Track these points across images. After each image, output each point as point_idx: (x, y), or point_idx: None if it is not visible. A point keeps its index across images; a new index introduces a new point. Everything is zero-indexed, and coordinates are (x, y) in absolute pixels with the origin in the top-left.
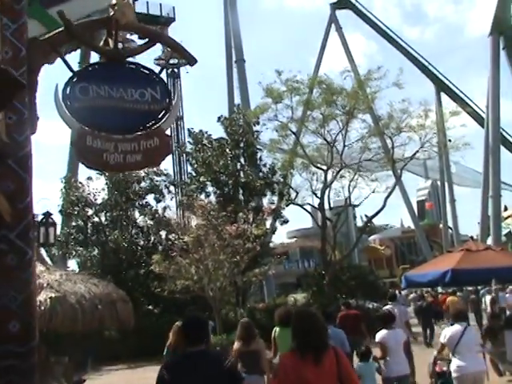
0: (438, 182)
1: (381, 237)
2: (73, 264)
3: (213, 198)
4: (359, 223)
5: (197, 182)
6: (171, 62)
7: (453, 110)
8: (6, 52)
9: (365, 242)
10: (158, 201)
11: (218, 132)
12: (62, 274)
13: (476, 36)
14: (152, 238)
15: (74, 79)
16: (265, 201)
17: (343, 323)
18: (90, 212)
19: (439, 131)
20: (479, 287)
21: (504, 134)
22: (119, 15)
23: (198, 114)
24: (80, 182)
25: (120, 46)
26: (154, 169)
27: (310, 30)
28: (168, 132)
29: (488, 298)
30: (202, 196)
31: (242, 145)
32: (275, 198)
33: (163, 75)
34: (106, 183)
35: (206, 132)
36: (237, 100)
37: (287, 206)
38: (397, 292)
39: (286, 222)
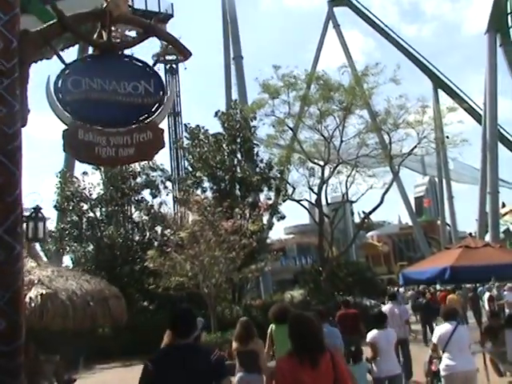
0: (436, 179)
1: (378, 233)
2: (68, 260)
3: (209, 193)
4: (357, 219)
5: (193, 178)
6: (169, 58)
7: (450, 106)
8: None
9: (362, 239)
10: (153, 196)
11: (215, 128)
12: (53, 271)
13: (473, 34)
14: (147, 234)
15: (66, 72)
16: (262, 196)
17: (342, 322)
18: (85, 207)
19: (437, 127)
20: (478, 285)
21: (502, 131)
22: (113, 7)
23: (195, 110)
24: (75, 177)
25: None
26: (150, 164)
27: (308, 29)
28: (164, 126)
29: (487, 296)
30: (199, 191)
31: (238, 140)
32: (272, 194)
33: (161, 71)
34: (102, 178)
35: (203, 127)
36: (235, 96)
37: (284, 201)
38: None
39: (282, 217)
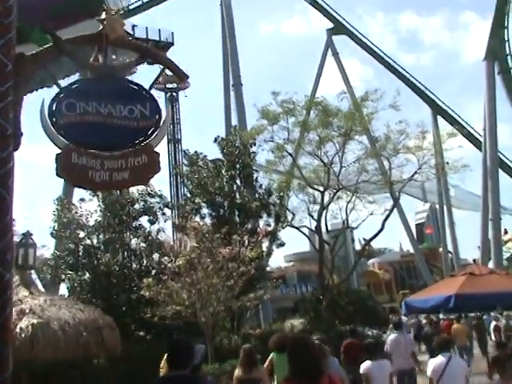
0: (437, 205)
1: (379, 261)
2: (65, 288)
3: (208, 219)
4: (358, 246)
5: (192, 204)
6: (169, 86)
7: (450, 131)
8: None
9: (363, 266)
10: (151, 223)
11: (215, 154)
12: (46, 299)
13: (471, 61)
14: (145, 262)
15: (61, 95)
16: (261, 223)
17: (347, 352)
18: (82, 234)
19: (437, 153)
20: (482, 313)
21: (501, 157)
22: (109, 30)
23: (196, 137)
24: (72, 204)
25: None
26: (148, 190)
27: (307, 56)
28: (164, 153)
29: (493, 325)
30: (197, 218)
31: (238, 166)
32: (271, 220)
33: (162, 99)
34: (99, 205)
35: (201, 153)
36: (234, 123)
37: (283, 228)
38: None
39: (282, 244)
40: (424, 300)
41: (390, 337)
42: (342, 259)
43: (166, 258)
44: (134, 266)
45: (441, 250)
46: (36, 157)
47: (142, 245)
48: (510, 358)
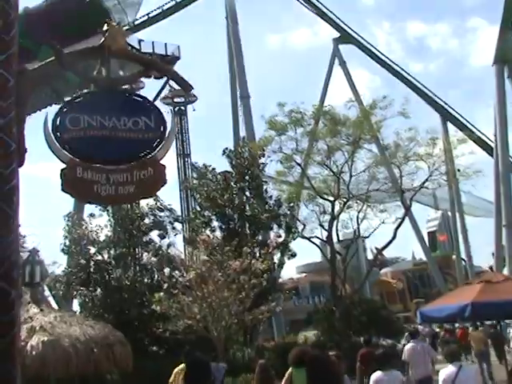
0: (449, 213)
1: (392, 270)
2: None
3: (218, 232)
4: (370, 256)
5: (201, 217)
6: (177, 100)
7: (460, 137)
8: None
9: (376, 276)
10: (162, 237)
11: (224, 167)
12: (56, 316)
13: (480, 66)
14: (156, 276)
15: (65, 109)
16: (272, 234)
17: (364, 362)
18: (93, 250)
19: (447, 159)
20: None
21: None
22: (110, 41)
23: (205, 151)
24: (83, 220)
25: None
26: (158, 204)
27: (315, 67)
28: (173, 167)
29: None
30: (208, 231)
31: (247, 178)
32: (282, 231)
33: (170, 114)
34: (109, 220)
35: (210, 166)
36: (243, 135)
37: (294, 239)
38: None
39: (293, 255)
40: (439, 309)
41: (407, 346)
42: (355, 269)
43: (177, 272)
44: (146, 280)
45: (454, 257)
46: (51, 174)
47: (153, 259)
48: None
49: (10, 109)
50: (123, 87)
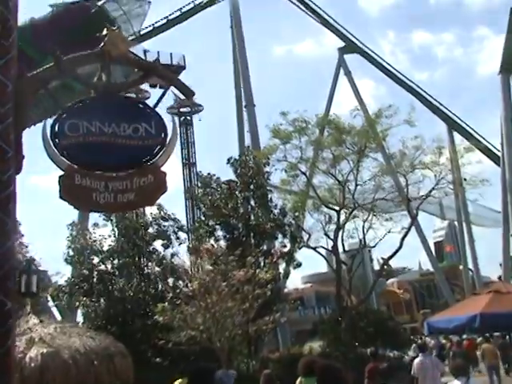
0: (456, 222)
1: (399, 280)
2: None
3: (223, 242)
4: (376, 266)
5: (206, 226)
6: (183, 110)
7: (467, 145)
8: None
9: (383, 286)
10: (165, 247)
11: (229, 176)
12: (56, 327)
13: (486, 75)
14: (160, 286)
15: (63, 116)
16: (276, 244)
17: (372, 377)
18: (96, 260)
19: (454, 168)
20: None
21: None
22: (110, 46)
23: (211, 160)
24: (87, 229)
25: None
26: (162, 213)
27: (320, 76)
28: (179, 177)
29: None
30: (212, 240)
31: (251, 187)
32: (287, 241)
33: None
34: (113, 230)
35: (214, 175)
36: (248, 144)
37: (300, 249)
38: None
39: (299, 265)
40: (447, 320)
41: (416, 360)
42: (361, 279)
43: (180, 282)
44: (149, 290)
45: (461, 267)
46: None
47: (157, 269)
48: None
49: (8, 114)
50: (123, 93)
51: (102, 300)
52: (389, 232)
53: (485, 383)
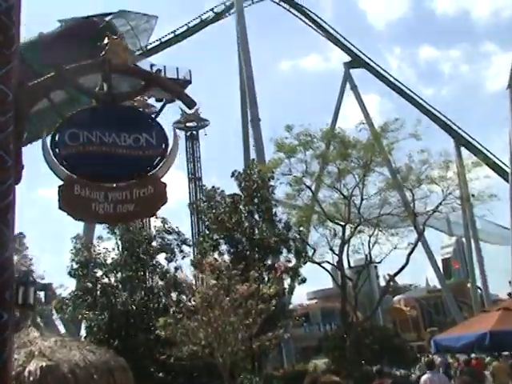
0: (463, 239)
1: (406, 297)
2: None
3: (227, 256)
4: (382, 283)
5: (210, 240)
6: (189, 124)
7: (475, 160)
8: None
9: (389, 303)
10: (169, 260)
11: (234, 190)
12: (56, 341)
13: (494, 92)
14: (163, 300)
15: (64, 125)
16: (281, 259)
17: None
18: (100, 273)
19: (461, 183)
20: None
21: None
22: (111, 55)
23: (216, 175)
24: (90, 243)
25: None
26: (165, 227)
27: (326, 91)
28: (185, 191)
29: None
30: (216, 255)
31: (256, 200)
32: (292, 256)
33: (182, 139)
34: (117, 243)
35: (218, 188)
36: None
37: (304, 264)
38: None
39: (303, 281)
40: (455, 338)
41: (424, 377)
42: (367, 296)
43: (184, 296)
44: (152, 304)
45: (469, 285)
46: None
47: (160, 283)
48: None
49: (9, 123)
50: (125, 103)
51: (105, 313)
52: (395, 248)
53: None
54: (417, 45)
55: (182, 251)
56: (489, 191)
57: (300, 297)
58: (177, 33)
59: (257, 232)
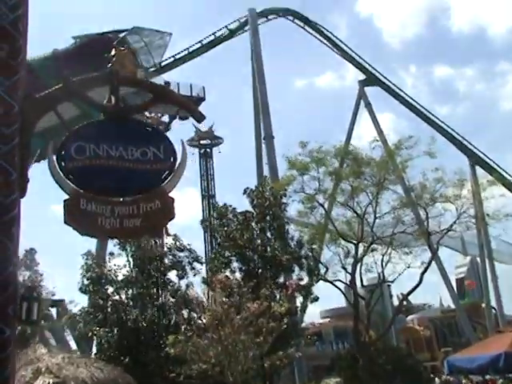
0: (478, 259)
1: (419, 317)
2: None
3: (238, 274)
4: (396, 302)
5: (221, 257)
6: (203, 142)
7: (490, 179)
8: None
9: (403, 323)
10: (180, 277)
11: (247, 208)
12: (64, 357)
13: (509, 111)
14: (174, 317)
15: (70, 138)
16: (294, 277)
17: None
18: (111, 289)
19: (476, 202)
20: None
21: None
22: (118, 67)
23: (230, 193)
24: (104, 259)
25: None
26: (177, 244)
27: (341, 109)
28: (198, 209)
29: None
30: (227, 272)
31: (268, 218)
32: (304, 274)
33: (196, 156)
34: (128, 260)
35: (231, 205)
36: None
37: (317, 282)
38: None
39: (316, 299)
40: (469, 359)
41: None
42: (380, 315)
43: (194, 314)
44: (163, 322)
45: (483, 305)
46: None
47: (171, 300)
48: None
49: (14, 136)
50: (133, 116)
51: (115, 330)
52: (408, 267)
53: None
54: (432, 63)
55: (193, 268)
56: (504, 210)
57: (313, 315)
58: (191, 50)
59: (269, 250)
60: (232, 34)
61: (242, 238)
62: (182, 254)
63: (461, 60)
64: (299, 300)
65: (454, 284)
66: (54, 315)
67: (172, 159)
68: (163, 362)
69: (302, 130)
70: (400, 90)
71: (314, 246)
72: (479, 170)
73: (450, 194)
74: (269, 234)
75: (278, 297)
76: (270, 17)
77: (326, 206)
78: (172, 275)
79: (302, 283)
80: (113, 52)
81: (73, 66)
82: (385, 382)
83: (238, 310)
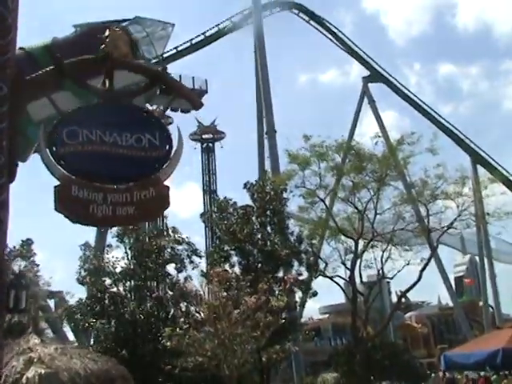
0: (477, 258)
1: (417, 314)
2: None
3: (237, 268)
4: (394, 299)
5: (221, 251)
6: (205, 136)
7: (491, 177)
8: None
9: (401, 319)
10: (178, 271)
11: (248, 202)
12: (56, 348)
13: None
14: (171, 310)
15: (62, 122)
16: (293, 272)
17: None
18: (109, 281)
19: (477, 200)
20: None
21: None
22: (112, 48)
23: (231, 188)
24: (99, 252)
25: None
26: (176, 237)
27: (344, 105)
28: (199, 204)
29: None
30: (227, 266)
31: (268, 212)
32: (303, 269)
33: (198, 150)
34: (126, 252)
35: (231, 199)
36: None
37: (316, 277)
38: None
39: (314, 294)
40: (466, 355)
41: None
42: (378, 312)
43: (192, 307)
44: (161, 314)
45: (481, 303)
46: None
47: (169, 293)
48: None
49: (2, 119)
50: (128, 101)
51: (112, 322)
52: (408, 264)
53: None
54: (436, 61)
55: (192, 262)
56: (505, 208)
57: (313, 311)
58: (193, 42)
59: (268, 244)
60: (235, 26)
61: (242, 232)
62: (180, 247)
63: (465, 58)
64: (298, 295)
65: (452, 282)
66: (52, 306)
67: (168, 147)
68: (160, 355)
69: (304, 125)
70: (404, 86)
71: (313, 242)
72: (481, 170)
73: (451, 191)
74: (269, 229)
75: (276, 291)
76: (274, 10)
77: (326, 201)
78: (170, 268)
79: (301, 278)
80: (106, 32)
81: (73, 55)
82: (381, 378)
83: (235, 304)
